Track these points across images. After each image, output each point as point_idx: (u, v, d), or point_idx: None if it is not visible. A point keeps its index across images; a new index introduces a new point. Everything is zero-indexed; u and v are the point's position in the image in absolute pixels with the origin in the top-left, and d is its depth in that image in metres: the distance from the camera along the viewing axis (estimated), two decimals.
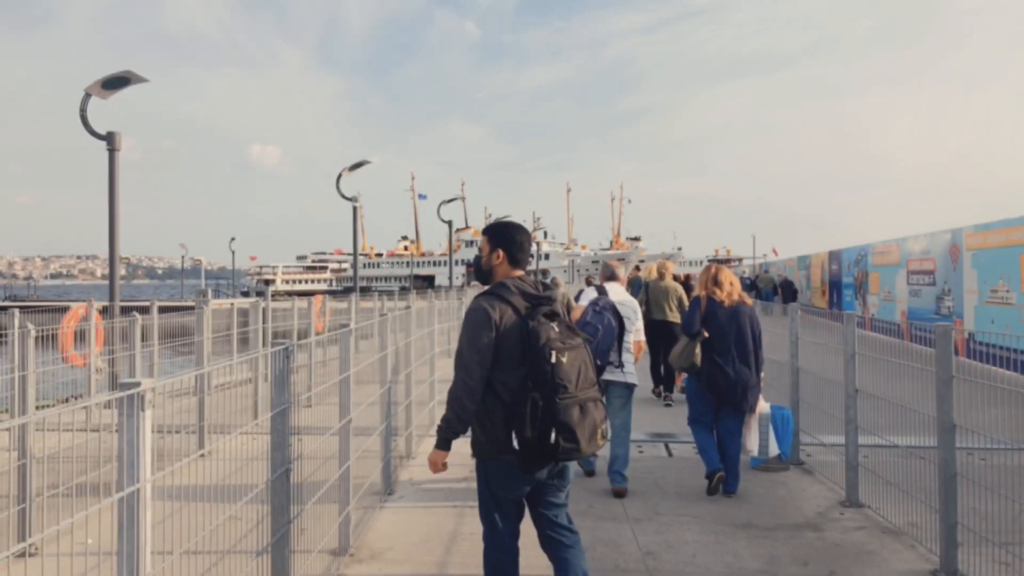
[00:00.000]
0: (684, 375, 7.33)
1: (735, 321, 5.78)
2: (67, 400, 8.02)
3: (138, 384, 2.03)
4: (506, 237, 3.46)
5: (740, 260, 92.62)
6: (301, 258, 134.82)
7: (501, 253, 3.44)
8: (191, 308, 8.46)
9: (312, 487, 4.05)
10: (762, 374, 6.00)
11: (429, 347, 8.65)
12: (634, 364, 6.22)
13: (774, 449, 6.27)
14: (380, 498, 5.66)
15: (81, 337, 8.11)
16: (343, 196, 21.01)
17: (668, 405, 9.88)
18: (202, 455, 6.73)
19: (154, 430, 2.15)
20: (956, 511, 4.13)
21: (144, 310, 8.88)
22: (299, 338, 12.68)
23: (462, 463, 4.91)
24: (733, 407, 5.84)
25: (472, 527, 4.76)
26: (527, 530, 3.48)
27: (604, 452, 6.27)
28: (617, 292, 6.16)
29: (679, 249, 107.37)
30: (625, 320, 5.96)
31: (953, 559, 4.13)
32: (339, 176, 20.95)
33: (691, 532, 5.02)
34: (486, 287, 3.46)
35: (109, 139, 9.93)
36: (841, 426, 5.70)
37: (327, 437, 4.47)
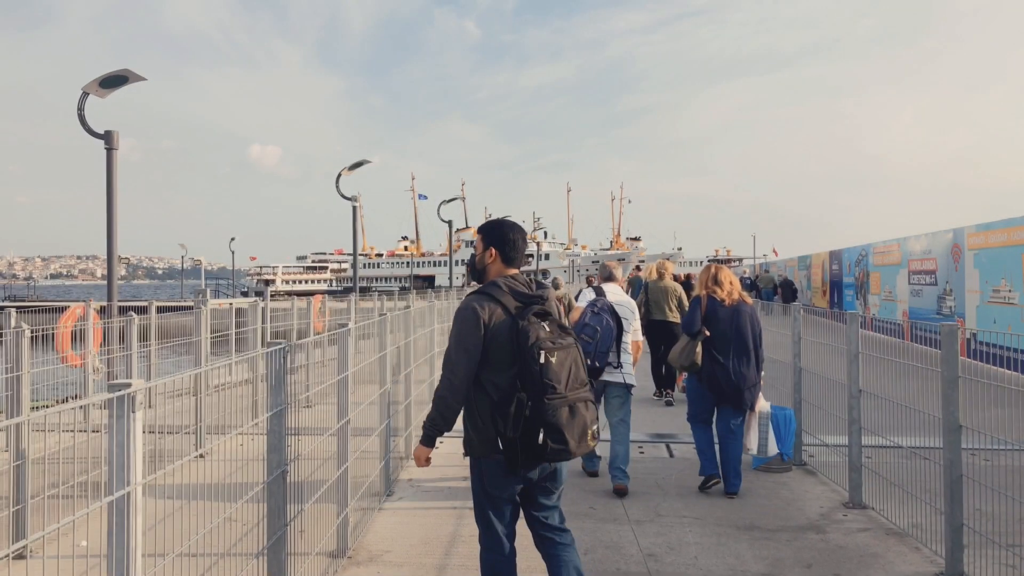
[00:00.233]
0: (685, 374, 7.30)
1: (736, 320, 5.79)
2: (64, 401, 7.97)
3: (128, 385, 1.98)
4: (499, 235, 3.43)
5: (740, 260, 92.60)
6: (301, 258, 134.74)
7: (494, 251, 3.41)
8: (189, 308, 8.42)
9: (310, 488, 4.00)
10: (762, 373, 5.99)
11: (428, 347, 8.61)
12: (633, 365, 6.22)
13: (773, 448, 6.27)
14: (379, 499, 5.61)
15: (79, 337, 8.06)
16: (343, 196, 20.96)
17: (669, 404, 9.84)
18: (200, 456, 6.68)
19: (151, 431, 2.10)
20: (962, 513, 4.08)
21: (142, 310, 8.82)
22: (299, 338, 12.63)
23: (462, 463, 4.87)
24: (733, 406, 5.84)
25: (472, 529, 4.69)
26: (524, 532, 3.45)
27: (606, 453, 6.25)
28: (615, 293, 6.18)
29: (679, 249, 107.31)
30: (623, 321, 5.99)
31: (959, 561, 4.08)
32: (338, 176, 20.90)
33: (693, 534, 4.97)
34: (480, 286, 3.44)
35: (107, 138, 9.87)
36: (844, 426, 5.65)
37: (325, 438, 4.43)
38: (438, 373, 8.44)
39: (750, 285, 31.33)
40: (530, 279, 3.50)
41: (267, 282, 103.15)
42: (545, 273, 79.75)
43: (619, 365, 6.00)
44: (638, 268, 24.59)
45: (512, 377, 3.14)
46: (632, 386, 6.13)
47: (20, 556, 4.53)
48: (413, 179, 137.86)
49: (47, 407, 4.21)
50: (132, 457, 1.99)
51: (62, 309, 9.17)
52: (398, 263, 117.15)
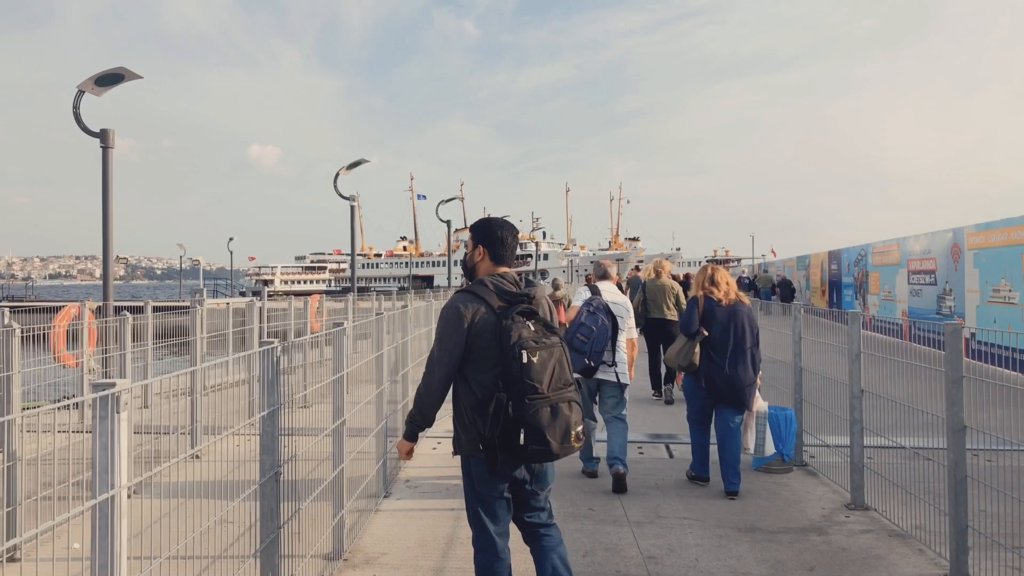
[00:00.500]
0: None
1: (733, 320, 5.80)
2: (57, 401, 7.90)
3: (112, 384, 1.91)
4: (488, 234, 3.41)
5: (739, 260, 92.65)
6: (300, 258, 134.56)
7: (483, 250, 3.40)
8: (186, 308, 8.36)
9: (305, 490, 3.94)
10: (759, 373, 5.98)
11: (426, 347, 8.55)
12: (630, 365, 6.23)
13: (771, 448, 6.27)
14: (376, 500, 5.54)
15: (74, 337, 8.00)
16: (341, 195, 20.87)
17: (669, 402, 9.82)
18: (196, 456, 6.61)
19: (148, 432, 2.03)
20: (967, 514, 4.01)
21: (138, 310, 8.76)
22: (296, 338, 12.56)
23: (460, 464, 4.80)
24: (731, 406, 5.84)
25: (470, 531, 4.65)
26: (519, 534, 3.42)
27: (605, 453, 6.20)
28: (610, 291, 6.19)
29: (678, 249, 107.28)
30: (618, 319, 6.00)
31: (963, 564, 4.02)
32: (336, 175, 20.82)
33: (693, 535, 4.91)
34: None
35: (102, 136, 9.80)
36: (845, 427, 5.60)
37: (321, 438, 4.36)
38: None
39: (749, 285, 31.33)
40: (522, 277, 3.47)
41: (266, 282, 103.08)
42: (544, 274, 79.67)
43: (614, 363, 6.01)
44: (637, 268, 24.56)
45: (496, 376, 3.12)
46: (626, 385, 6.14)
47: (12, 559, 4.48)
48: (412, 179, 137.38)
49: (34, 407, 4.15)
50: (117, 459, 1.92)
51: (57, 309, 9.11)
52: (397, 263, 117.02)
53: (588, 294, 6.11)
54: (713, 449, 6.09)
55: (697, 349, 5.80)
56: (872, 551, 4.61)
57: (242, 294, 78.54)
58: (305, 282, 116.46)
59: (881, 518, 5.16)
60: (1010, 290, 12.25)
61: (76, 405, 5.08)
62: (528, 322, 3.14)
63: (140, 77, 10.40)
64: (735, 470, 5.74)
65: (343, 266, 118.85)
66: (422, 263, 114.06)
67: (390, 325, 6.38)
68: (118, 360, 7.78)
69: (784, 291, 28.12)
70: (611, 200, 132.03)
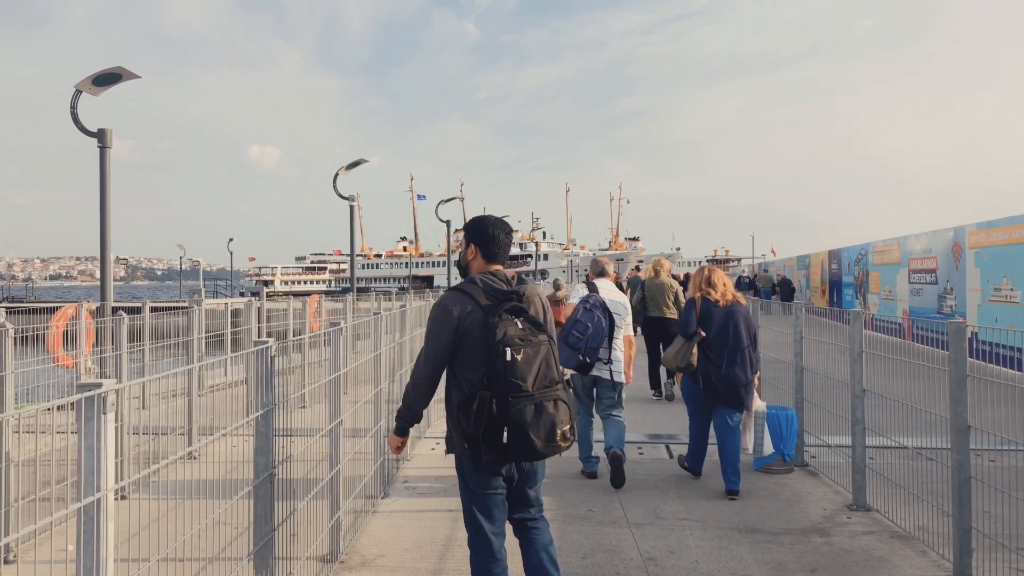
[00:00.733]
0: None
1: (730, 320, 5.81)
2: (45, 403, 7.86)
3: (98, 385, 1.87)
4: (480, 232, 3.40)
5: (739, 260, 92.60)
6: (300, 259, 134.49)
7: (474, 248, 3.39)
8: (184, 308, 8.31)
9: (301, 491, 3.89)
10: (757, 373, 5.98)
11: None
12: (629, 364, 6.20)
13: (769, 447, 6.25)
14: (373, 501, 5.50)
15: (70, 338, 7.95)
16: (340, 195, 20.81)
17: (670, 398, 9.81)
18: (191, 457, 6.57)
19: (146, 432, 1.98)
20: (971, 515, 3.97)
21: (136, 310, 8.71)
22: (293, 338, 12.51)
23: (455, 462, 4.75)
24: (729, 406, 5.82)
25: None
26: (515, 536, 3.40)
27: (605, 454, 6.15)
28: (607, 289, 6.18)
29: (678, 249, 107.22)
30: (615, 317, 5.99)
31: (967, 566, 3.97)
32: (336, 175, 20.76)
33: (693, 537, 4.86)
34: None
35: (100, 136, 9.74)
36: (846, 426, 5.55)
37: (317, 439, 4.32)
38: None
39: (749, 284, 31.30)
40: (516, 275, 3.44)
41: (266, 283, 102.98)
42: (544, 274, 79.60)
43: (609, 361, 5.99)
44: (637, 268, 24.50)
45: (483, 374, 3.11)
46: (621, 384, 6.13)
47: (7, 561, 4.43)
48: (412, 180, 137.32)
49: (23, 408, 4.11)
50: (103, 461, 1.88)
51: (55, 310, 9.06)
52: (397, 263, 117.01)
53: (586, 291, 6.09)
54: (713, 449, 6.06)
55: (695, 350, 5.82)
56: (875, 553, 4.56)
57: (242, 295, 78.51)
58: (305, 283, 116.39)
59: (883, 519, 5.12)
60: (1011, 289, 12.21)
61: (72, 405, 5.02)
62: (516, 320, 3.12)
63: (138, 77, 10.35)
64: (735, 469, 5.71)
65: (343, 266, 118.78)
66: (422, 263, 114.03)
67: (388, 325, 6.33)
68: (114, 361, 7.73)
69: (784, 291, 28.09)
70: (611, 200, 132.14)
